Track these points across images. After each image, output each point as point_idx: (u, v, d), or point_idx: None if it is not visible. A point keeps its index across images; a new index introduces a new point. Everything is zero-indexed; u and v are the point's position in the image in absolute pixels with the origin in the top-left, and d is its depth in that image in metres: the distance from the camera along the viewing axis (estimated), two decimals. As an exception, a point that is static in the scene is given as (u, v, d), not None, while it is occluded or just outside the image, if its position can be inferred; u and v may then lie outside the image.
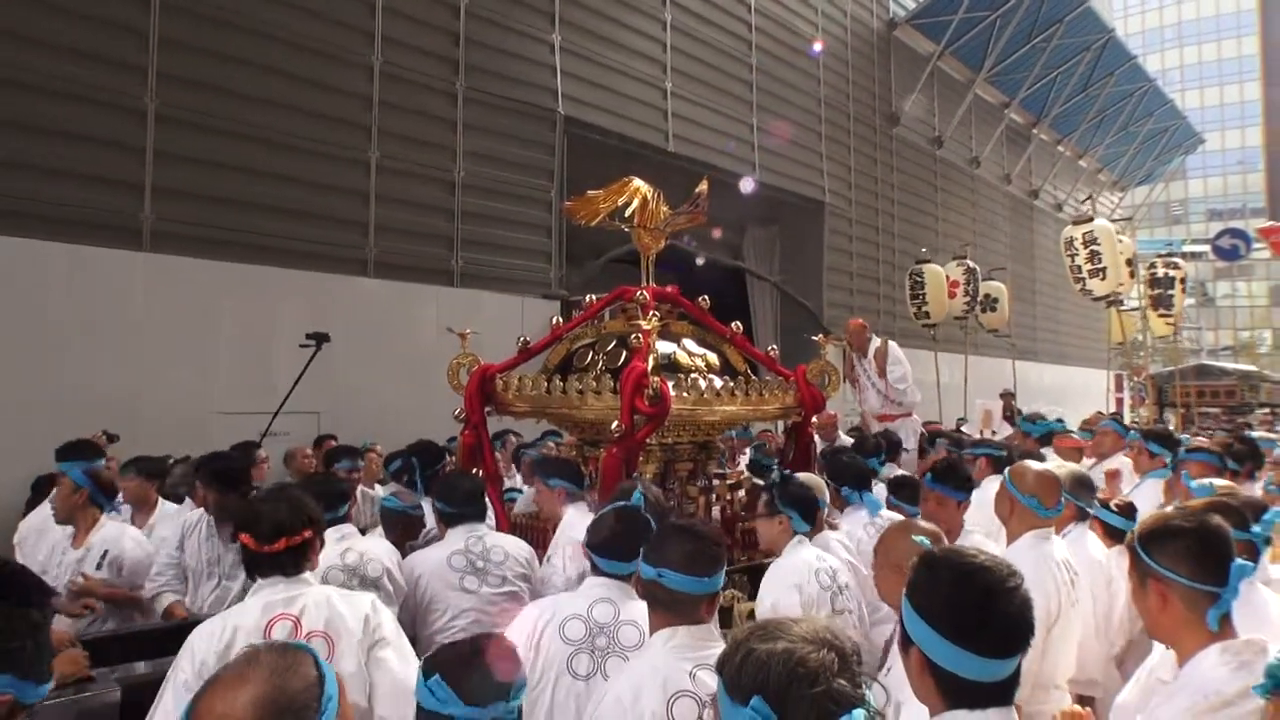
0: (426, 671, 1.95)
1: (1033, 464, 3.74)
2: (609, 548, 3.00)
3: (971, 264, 15.15)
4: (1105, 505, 4.40)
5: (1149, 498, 5.24)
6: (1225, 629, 2.29)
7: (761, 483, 4.58)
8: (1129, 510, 4.34)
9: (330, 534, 3.71)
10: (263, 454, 6.58)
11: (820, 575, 3.54)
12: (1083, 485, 4.27)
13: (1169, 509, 2.62)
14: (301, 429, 8.09)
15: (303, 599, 2.75)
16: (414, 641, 3.84)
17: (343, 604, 2.77)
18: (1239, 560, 2.29)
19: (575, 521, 4.08)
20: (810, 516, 3.83)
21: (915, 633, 1.83)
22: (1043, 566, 3.35)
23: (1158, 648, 2.60)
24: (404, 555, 4.09)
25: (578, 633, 2.85)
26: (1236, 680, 2.17)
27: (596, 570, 3.04)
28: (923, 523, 3.28)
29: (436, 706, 1.90)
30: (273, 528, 2.82)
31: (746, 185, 14.34)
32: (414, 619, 3.83)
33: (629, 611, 2.88)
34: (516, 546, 4.05)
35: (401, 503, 4.57)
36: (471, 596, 3.80)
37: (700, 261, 13.50)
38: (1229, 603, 2.26)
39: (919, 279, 14.50)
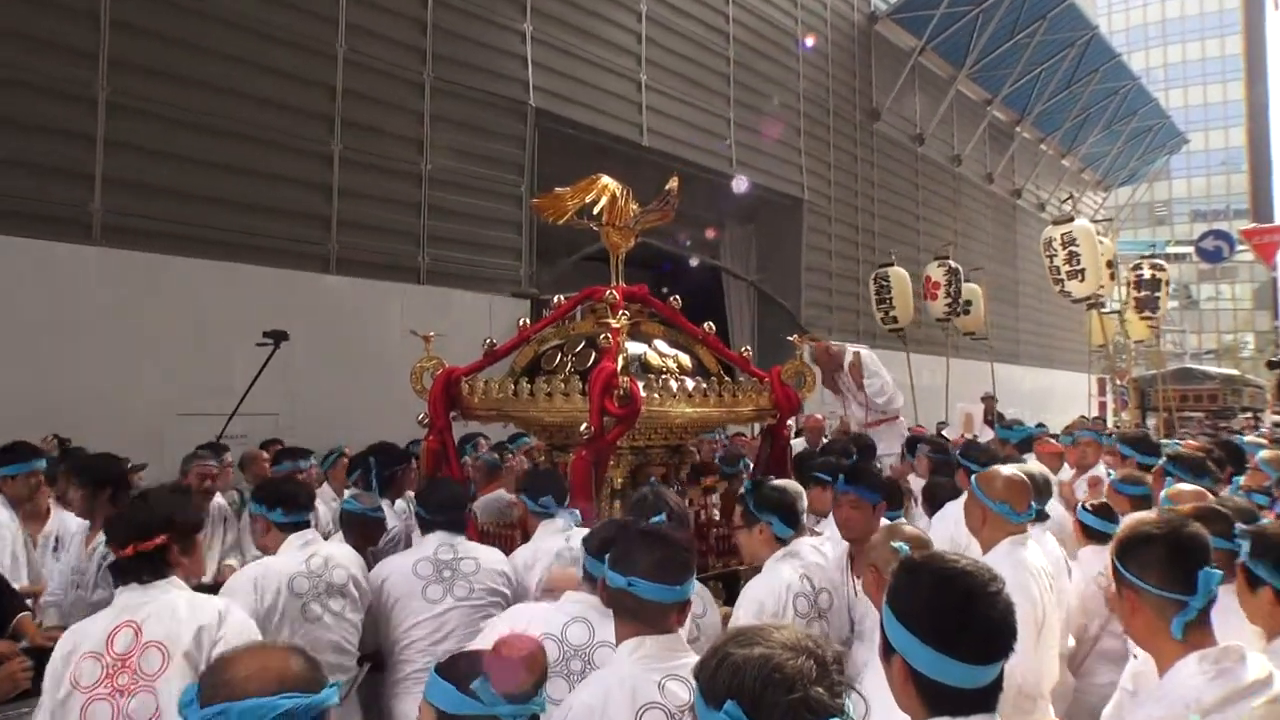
0: (458, 678, 1.95)
1: (1001, 469, 3.75)
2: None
3: (954, 264, 15.21)
4: (1084, 507, 4.44)
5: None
6: (1202, 637, 2.30)
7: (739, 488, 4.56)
8: (1105, 511, 4.38)
9: (294, 539, 3.69)
10: (228, 458, 6.50)
11: (798, 601, 3.47)
12: (1038, 488, 4.30)
13: (1151, 514, 2.64)
14: (260, 431, 8.00)
15: (149, 606, 2.70)
16: (378, 651, 3.82)
17: (186, 612, 2.72)
18: (1208, 568, 2.30)
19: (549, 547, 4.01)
20: (792, 520, 3.73)
21: (896, 640, 1.83)
22: (1023, 572, 3.35)
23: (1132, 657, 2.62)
24: (365, 560, 4.05)
25: (551, 654, 2.80)
26: (1214, 689, 2.18)
27: (588, 577, 2.97)
28: (907, 527, 3.28)
29: (481, 710, 1.92)
30: (124, 533, 2.79)
31: (740, 185, 14.37)
32: (377, 627, 3.78)
33: (605, 631, 2.79)
34: (492, 558, 3.95)
35: (361, 505, 4.53)
36: (432, 606, 3.73)
37: (694, 261, 13.51)
38: (1195, 611, 2.28)
39: (884, 282, 14.53)
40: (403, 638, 3.73)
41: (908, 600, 1.85)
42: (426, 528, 3.99)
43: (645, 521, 3.04)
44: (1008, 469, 3.76)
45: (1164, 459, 5.15)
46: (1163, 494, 4.08)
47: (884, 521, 3.79)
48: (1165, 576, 2.32)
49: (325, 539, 4.16)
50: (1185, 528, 2.41)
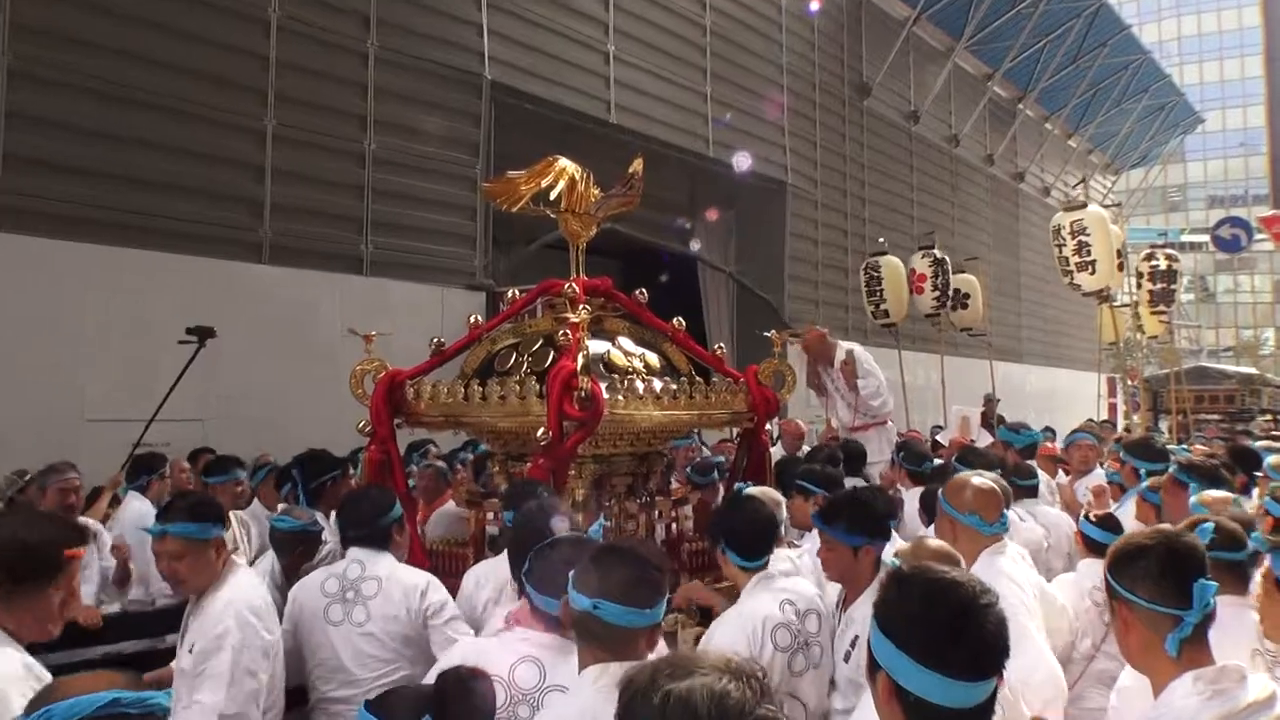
0: (388, 717, 1.99)
1: (970, 477, 3.81)
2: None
3: (939, 254, 15.23)
4: (1086, 518, 4.49)
5: (1124, 519, 5.36)
6: (1199, 655, 2.35)
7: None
8: (1110, 522, 4.43)
9: None
10: (186, 464, 6.45)
11: (777, 634, 3.43)
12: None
13: (1146, 529, 2.69)
14: (183, 440, 7.94)
15: None
16: (300, 690, 3.73)
17: None
18: (1203, 580, 2.36)
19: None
20: (753, 550, 3.62)
21: (882, 655, 1.88)
22: (1006, 582, 3.39)
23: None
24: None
25: (498, 700, 2.78)
26: (1210, 710, 2.22)
27: (533, 609, 2.93)
28: (932, 541, 3.28)
29: None
30: None
31: (742, 163, 14.35)
32: (298, 659, 3.73)
33: (559, 674, 2.79)
34: (400, 580, 3.81)
35: (293, 520, 4.49)
36: (330, 629, 3.71)
37: (668, 253, 13.50)
38: (1190, 626, 2.33)
39: (875, 273, 14.56)
40: (309, 658, 3.74)
41: (895, 613, 1.90)
42: (346, 544, 3.97)
43: (535, 540, 3.02)
44: (977, 477, 3.81)
45: (1174, 466, 5.21)
46: (1192, 500, 4.14)
47: (889, 550, 3.64)
48: (1156, 590, 2.37)
49: (252, 564, 4.12)
50: (1180, 539, 2.48)
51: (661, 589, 2.57)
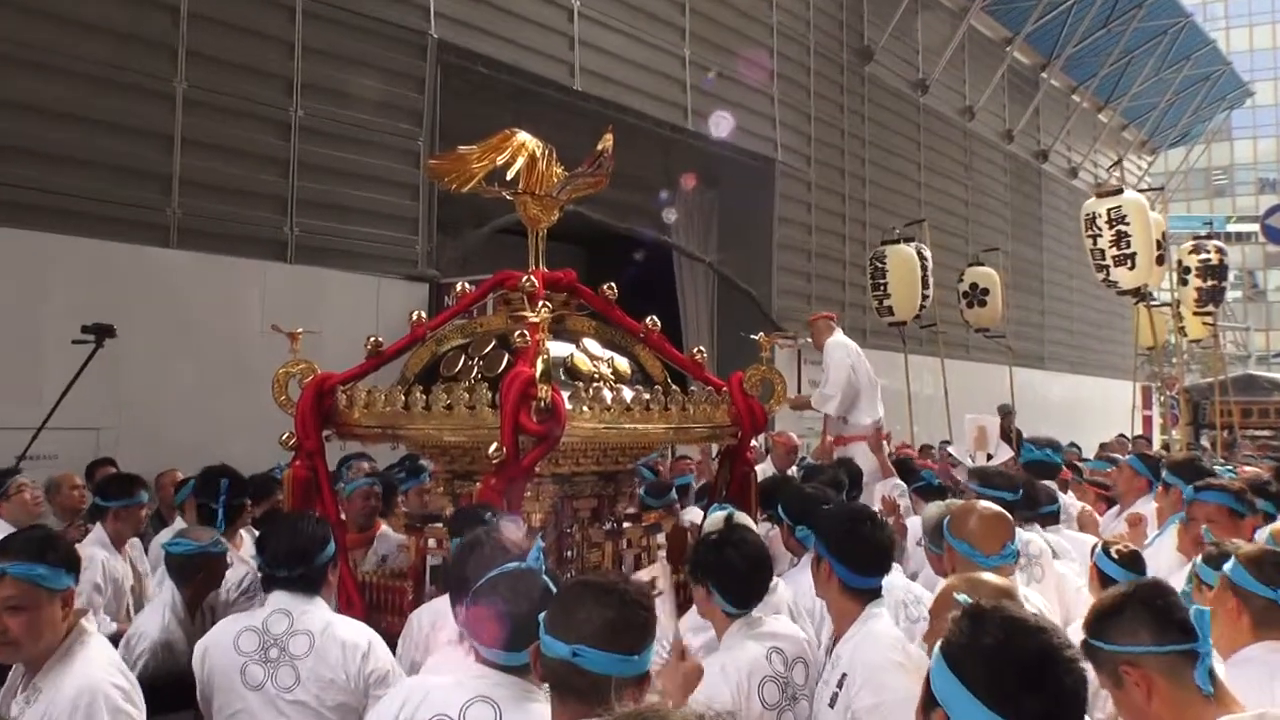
0: None
1: (979, 505, 3.96)
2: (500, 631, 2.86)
3: (917, 246, 15.21)
4: (1106, 551, 4.53)
5: (1163, 551, 5.44)
6: (1224, 699, 2.48)
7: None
8: (1133, 561, 4.47)
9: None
10: (27, 482, 6.37)
11: (765, 689, 3.49)
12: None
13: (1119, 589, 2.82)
14: (77, 450, 7.93)
15: None
16: None
17: None
18: (1197, 606, 2.54)
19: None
20: (746, 597, 3.66)
21: (944, 693, 1.96)
22: None
23: None
24: (204, 615, 4.03)
25: None
26: None
27: (478, 655, 2.92)
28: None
29: None
30: None
31: (720, 127, 14.34)
32: (207, 711, 3.69)
33: (515, 716, 2.77)
34: (338, 641, 3.70)
35: (190, 542, 4.51)
36: (252, 697, 3.58)
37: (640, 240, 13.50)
38: (1210, 655, 2.47)
39: (880, 265, 14.55)
40: None
41: (966, 649, 1.98)
42: (268, 585, 3.86)
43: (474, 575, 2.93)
44: (985, 503, 3.97)
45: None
46: (1265, 533, 4.25)
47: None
48: (1158, 630, 2.53)
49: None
50: (1143, 581, 2.77)
51: (650, 630, 2.57)
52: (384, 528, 6.42)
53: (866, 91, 19.47)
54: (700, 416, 5.11)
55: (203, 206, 9.74)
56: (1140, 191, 14.39)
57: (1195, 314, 16.08)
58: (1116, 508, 7.32)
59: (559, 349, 4.85)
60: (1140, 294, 13.24)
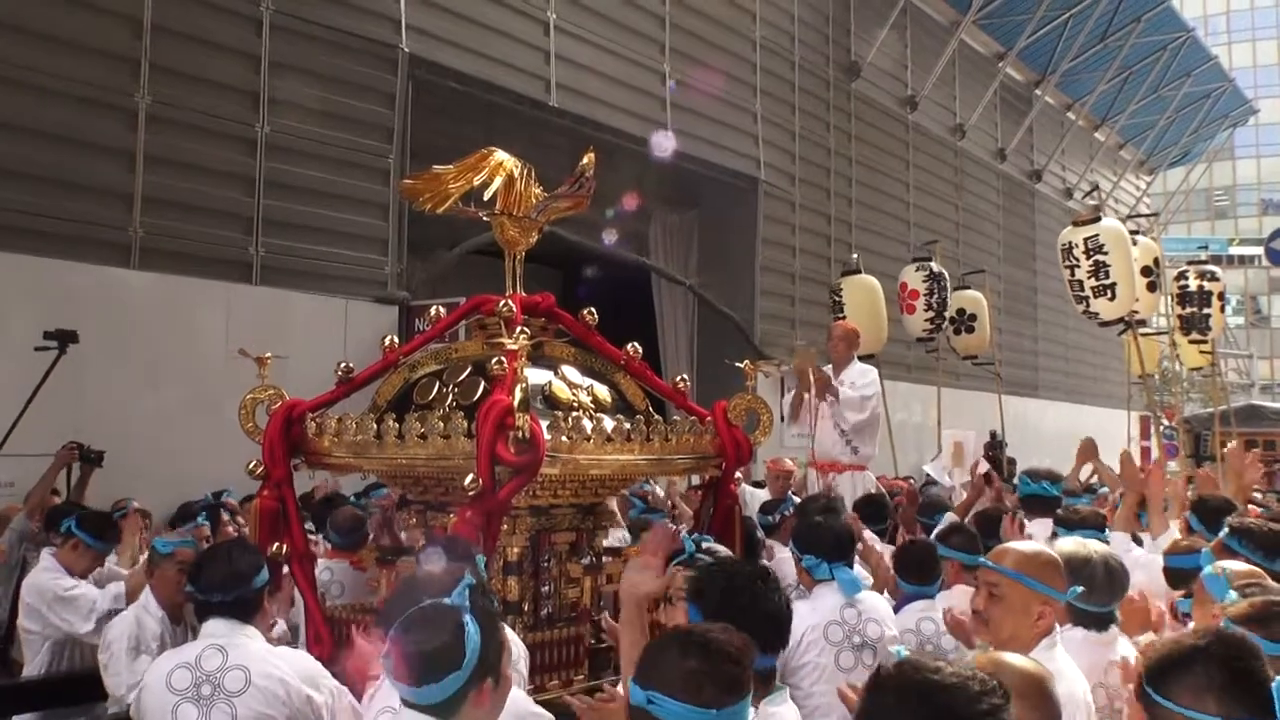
0: None
1: (1020, 544, 3.88)
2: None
3: (936, 266, 15.43)
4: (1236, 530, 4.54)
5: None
6: None
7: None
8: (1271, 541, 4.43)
9: None
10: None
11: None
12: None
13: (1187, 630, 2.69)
14: (32, 479, 7.94)
15: None
16: None
17: None
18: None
19: None
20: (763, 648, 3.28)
21: None
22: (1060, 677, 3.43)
23: None
24: None
25: None
26: None
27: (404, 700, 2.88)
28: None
29: None
30: None
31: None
32: None
33: None
34: (277, 674, 3.71)
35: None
36: None
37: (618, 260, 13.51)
38: None
39: (837, 298, 14.28)
40: None
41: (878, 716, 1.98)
42: (202, 613, 3.90)
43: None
44: (1028, 544, 3.86)
45: (1224, 532, 5.24)
46: (1207, 570, 4.27)
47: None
48: (1228, 699, 2.29)
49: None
50: (1228, 634, 2.46)
51: (740, 687, 2.52)
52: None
53: (853, 108, 19.55)
54: (683, 447, 5.10)
55: (165, 225, 9.76)
56: (1134, 216, 14.52)
57: (1190, 342, 16.09)
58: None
59: (537, 377, 4.88)
60: (1126, 323, 13.27)
